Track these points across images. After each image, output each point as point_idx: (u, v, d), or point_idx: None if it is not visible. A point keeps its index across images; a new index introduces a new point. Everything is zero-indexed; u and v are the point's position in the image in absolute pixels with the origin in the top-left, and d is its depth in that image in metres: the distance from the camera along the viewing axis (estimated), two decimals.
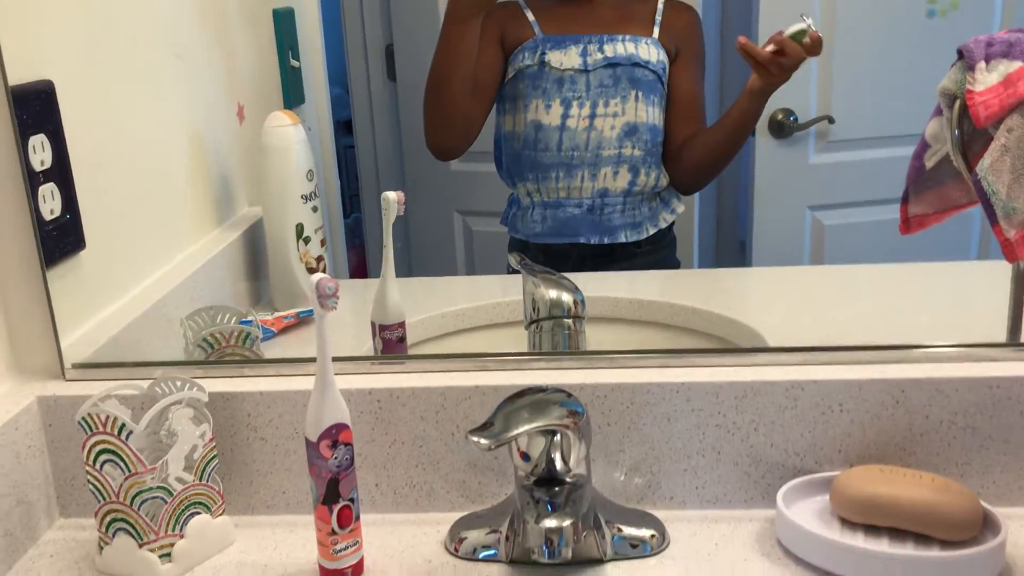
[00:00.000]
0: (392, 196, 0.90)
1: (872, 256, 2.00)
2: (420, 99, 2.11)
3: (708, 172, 1.46)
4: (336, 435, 0.71)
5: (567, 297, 0.91)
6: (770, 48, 1.21)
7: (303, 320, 1.15)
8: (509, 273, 1.49)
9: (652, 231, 1.42)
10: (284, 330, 1.12)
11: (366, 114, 2.26)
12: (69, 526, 0.84)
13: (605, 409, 0.80)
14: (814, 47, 1.19)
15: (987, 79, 0.81)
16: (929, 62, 2.04)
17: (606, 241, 1.38)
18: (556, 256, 1.40)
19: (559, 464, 0.71)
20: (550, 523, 0.67)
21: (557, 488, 0.71)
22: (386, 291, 0.93)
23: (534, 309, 0.92)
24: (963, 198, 0.89)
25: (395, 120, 2.20)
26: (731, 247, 2.35)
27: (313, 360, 0.82)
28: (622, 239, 1.39)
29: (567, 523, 0.67)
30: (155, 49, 1.03)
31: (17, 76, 0.81)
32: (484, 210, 2.15)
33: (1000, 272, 1.07)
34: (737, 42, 1.23)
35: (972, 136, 0.83)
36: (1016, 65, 0.80)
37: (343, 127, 1.89)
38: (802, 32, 1.19)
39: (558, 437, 0.70)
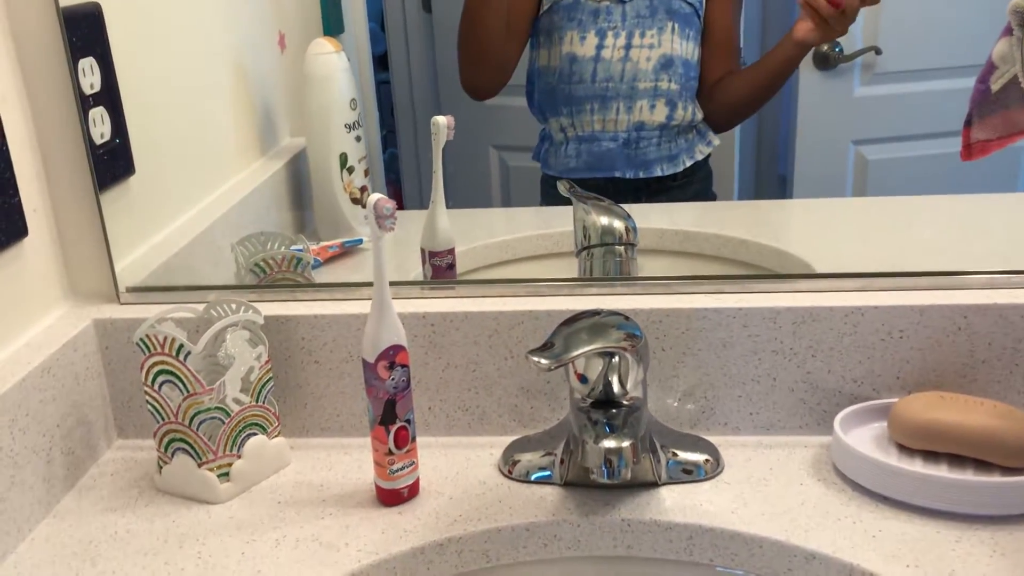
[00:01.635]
0: (442, 120, 0.89)
1: (915, 191, 1.97)
2: (455, 32, 2.08)
3: (743, 112, 1.44)
4: (393, 356, 0.71)
5: (619, 224, 0.90)
6: None
7: (347, 250, 1.15)
8: (546, 205, 1.48)
9: (688, 163, 1.40)
10: (329, 260, 1.12)
11: (402, 48, 2.24)
12: (127, 447, 0.86)
13: (660, 334, 0.80)
14: None
15: None
16: None
17: (642, 175, 1.36)
18: (591, 191, 1.39)
19: (616, 387, 0.70)
20: (609, 443, 0.67)
21: (614, 410, 0.71)
22: (436, 218, 0.92)
23: (585, 236, 0.91)
24: None
25: (431, 54, 2.18)
26: (771, 180, 2.32)
27: (366, 285, 0.83)
28: (658, 172, 1.37)
29: (626, 444, 0.67)
30: None
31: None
32: (520, 145, 2.13)
33: None
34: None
35: None
36: None
37: (378, 62, 1.87)
38: None
39: (616, 359, 0.69)
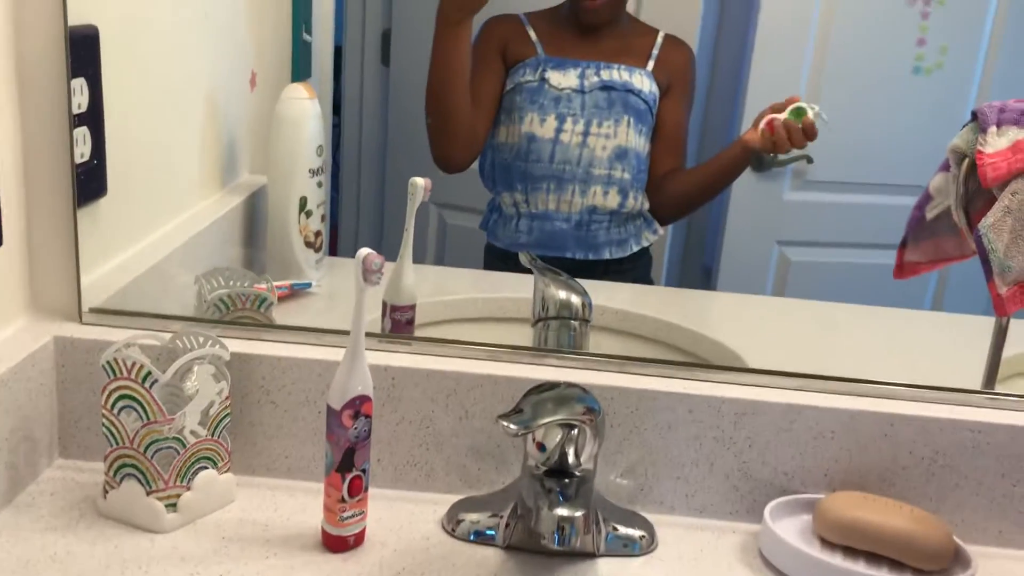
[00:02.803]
0: (420, 182, 0.93)
1: (830, 295, 2.07)
2: (411, 86, 2.11)
3: (688, 208, 1.53)
4: (359, 406, 0.73)
5: (576, 299, 0.94)
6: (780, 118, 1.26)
7: (296, 292, 1.16)
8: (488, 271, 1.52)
9: (635, 249, 1.46)
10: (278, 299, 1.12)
11: (356, 96, 2.27)
12: (68, 467, 0.85)
13: (609, 411, 0.83)
14: (809, 132, 1.26)
15: (997, 143, 0.86)
16: (912, 116, 2.13)
17: (591, 257, 1.42)
18: None
19: (571, 457, 0.74)
20: (563, 512, 0.70)
21: (567, 480, 0.74)
22: (403, 273, 0.95)
23: (543, 307, 0.95)
24: (956, 251, 0.94)
25: (384, 105, 2.22)
26: (696, 271, 2.41)
27: (331, 332, 0.84)
28: (607, 255, 1.43)
29: (579, 513, 0.70)
30: (187, 6, 1.04)
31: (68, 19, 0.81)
32: (461, 205, 2.17)
33: (960, 325, 1.13)
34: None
35: (976, 194, 0.88)
36: None
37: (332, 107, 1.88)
38: (801, 110, 1.26)
39: (575, 431, 0.72)
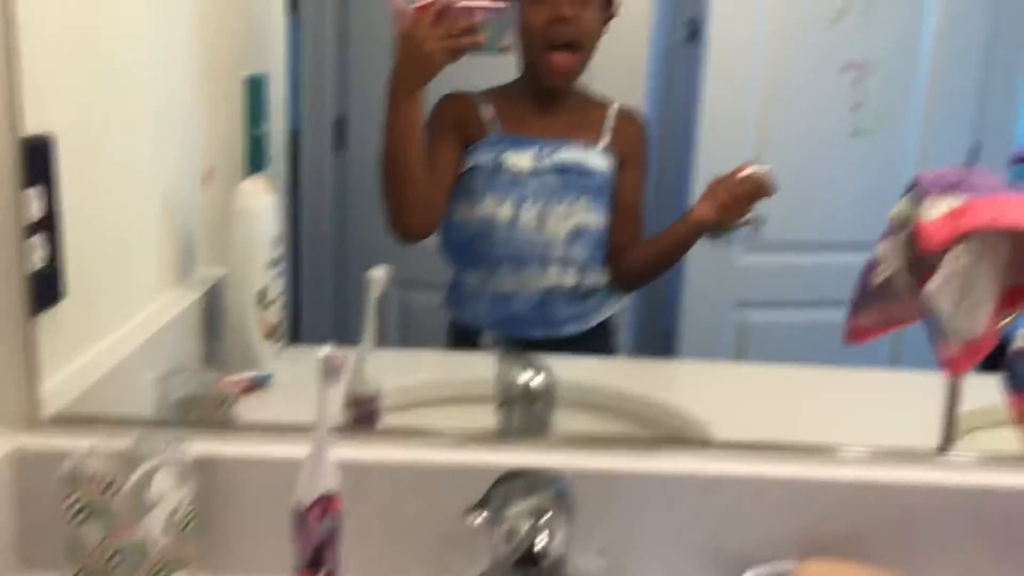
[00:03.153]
0: (378, 274, 0.93)
1: (793, 354, 2.10)
2: (366, 170, 2.14)
3: (646, 279, 1.55)
4: (327, 503, 0.73)
5: (539, 380, 0.95)
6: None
7: (255, 385, 1.15)
8: (452, 348, 1.52)
9: (595, 322, 1.47)
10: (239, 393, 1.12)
11: (313, 181, 2.28)
12: None
13: (578, 493, 0.83)
14: (764, 188, 1.29)
15: (936, 210, 0.89)
16: (854, 175, 2.20)
17: (552, 334, 1.42)
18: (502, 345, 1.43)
19: (540, 545, 0.74)
20: None
21: (536, 568, 0.74)
22: (364, 363, 0.95)
23: (506, 390, 0.95)
24: (905, 314, 0.96)
25: (341, 190, 2.23)
26: (658, 335, 2.43)
27: (294, 428, 0.84)
28: (567, 332, 1.44)
29: None
30: (142, 106, 1.05)
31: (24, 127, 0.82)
32: (423, 282, 2.18)
33: (918, 382, 1.15)
34: (710, 186, 1.31)
35: (919, 260, 0.91)
36: (962, 200, 0.88)
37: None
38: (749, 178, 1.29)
39: (545, 518, 0.73)
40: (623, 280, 1.49)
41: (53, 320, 0.88)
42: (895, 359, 2.13)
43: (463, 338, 1.48)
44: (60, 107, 0.87)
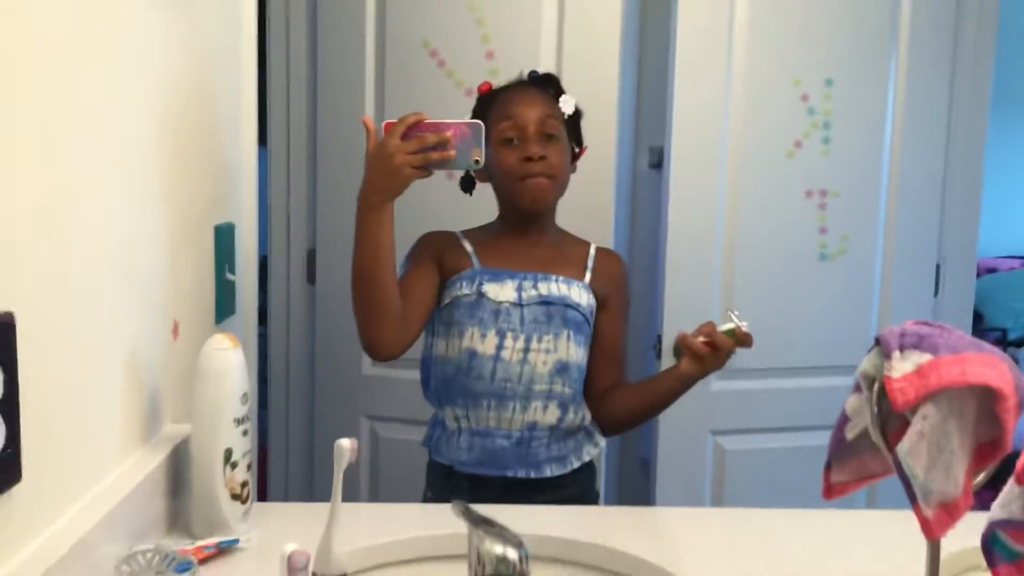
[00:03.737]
0: (345, 444, 0.91)
1: (769, 479, 2.09)
2: (336, 301, 2.15)
3: (630, 424, 1.54)
4: None
5: (513, 554, 0.92)
6: (702, 340, 1.30)
7: (224, 550, 1.12)
8: (431, 490, 1.49)
9: (576, 465, 1.45)
10: (204, 560, 1.09)
11: (283, 313, 2.28)
12: None
13: None
14: (744, 340, 1.30)
15: (902, 367, 0.89)
16: (822, 299, 2.22)
17: (532, 475, 1.40)
18: (481, 485, 1.41)
19: None
20: None
21: None
22: (331, 541, 0.92)
23: (479, 563, 0.92)
24: (880, 468, 0.96)
25: (311, 321, 2.23)
26: (634, 466, 2.42)
27: None
28: (547, 473, 1.41)
29: None
30: (106, 273, 1.04)
31: None
32: (392, 416, 2.17)
33: (896, 522, 1.14)
34: (677, 336, 1.32)
35: (890, 415, 0.91)
36: (927, 357, 0.89)
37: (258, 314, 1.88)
38: (730, 330, 1.31)
39: None
40: (609, 424, 1.48)
41: (8, 504, 0.85)
42: (872, 493, 2.11)
43: (443, 478, 1.46)
44: (21, 285, 0.86)
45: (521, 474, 1.39)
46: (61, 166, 0.93)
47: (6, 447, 0.85)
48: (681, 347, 1.33)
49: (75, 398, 0.98)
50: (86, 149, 0.98)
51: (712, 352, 1.30)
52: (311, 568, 0.68)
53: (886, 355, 0.91)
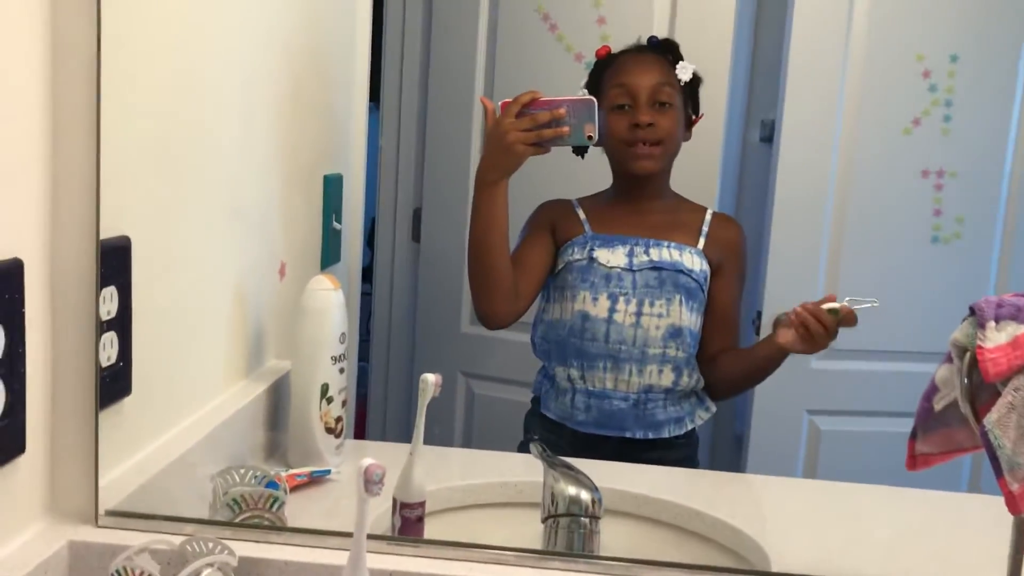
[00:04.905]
0: (431, 379, 0.95)
1: (864, 463, 2.04)
2: (439, 260, 2.19)
3: (737, 389, 1.56)
4: None
5: (586, 495, 0.94)
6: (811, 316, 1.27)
7: (315, 479, 1.17)
8: (527, 439, 1.51)
9: (690, 427, 1.46)
10: (296, 488, 1.13)
11: (387, 269, 2.35)
12: None
13: None
14: (847, 320, 1.27)
15: (996, 338, 0.87)
16: (932, 284, 2.15)
17: (651, 436, 1.41)
18: (595, 444, 1.43)
19: None
20: None
21: None
22: (412, 469, 0.96)
23: (552, 503, 0.95)
24: (968, 442, 0.93)
25: (414, 278, 2.29)
26: (728, 440, 2.39)
27: (338, 534, 0.85)
28: (666, 434, 1.42)
29: None
30: (218, 208, 1.10)
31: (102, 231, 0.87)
32: (489, 375, 2.20)
33: (993, 507, 1.10)
34: (794, 311, 1.29)
35: (980, 387, 0.89)
36: (1023, 329, 0.86)
37: (363, 273, 1.95)
38: (835, 310, 1.28)
39: None
40: (716, 387, 1.48)
41: (118, 415, 0.91)
42: (975, 480, 2.05)
43: (549, 431, 1.48)
44: (138, 210, 0.92)
45: (640, 435, 1.41)
46: (183, 99, 0.98)
47: (119, 361, 0.91)
48: (782, 319, 1.31)
49: (184, 324, 1.04)
50: (208, 86, 1.03)
51: (819, 329, 1.26)
52: (386, 484, 0.71)
53: (980, 325, 0.88)
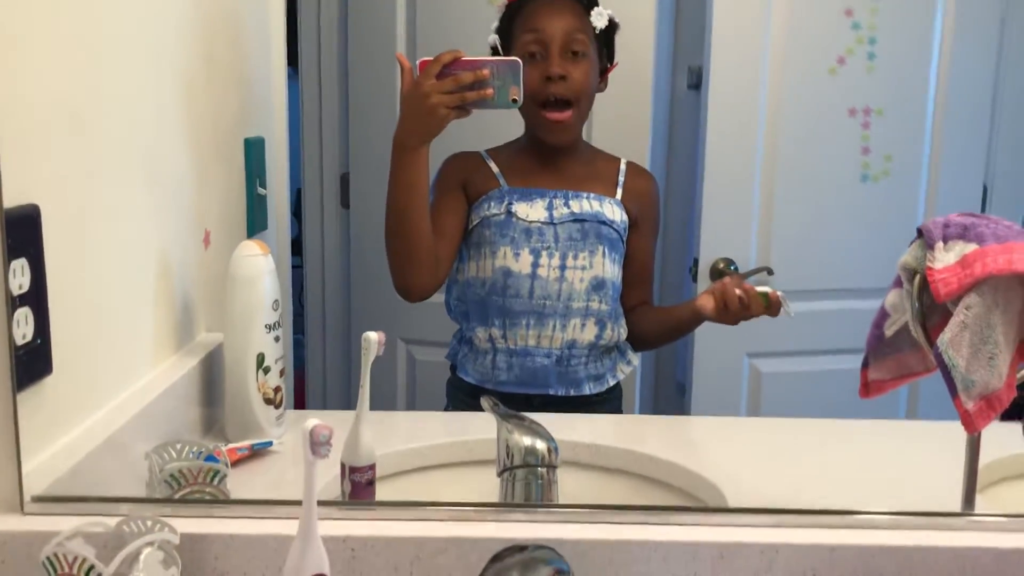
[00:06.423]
0: (373, 336, 0.90)
1: (806, 403, 2.07)
2: (370, 226, 2.14)
3: (654, 344, 1.61)
4: None
5: (541, 445, 0.92)
6: (738, 293, 1.27)
7: (256, 452, 1.13)
8: (453, 407, 1.48)
9: (612, 383, 1.44)
10: (237, 462, 1.09)
11: (317, 239, 2.28)
12: None
13: (581, 566, 0.80)
14: (772, 309, 1.28)
15: (945, 258, 0.86)
16: (863, 221, 2.17)
17: (572, 393, 1.39)
18: (515, 403, 1.40)
19: None
20: None
21: None
22: (359, 432, 0.92)
23: (508, 455, 0.92)
24: (920, 365, 0.93)
25: (345, 246, 2.23)
26: (670, 388, 2.40)
27: (285, 503, 0.81)
28: (586, 391, 1.40)
29: None
30: (134, 175, 1.04)
31: (6, 199, 0.80)
32: (429, 339, 2.16)
33: (935, 433, 1.11)
34: (722, 282, 1.29)
35: (931, 309, 0.88)
36: (971, 247, 0.85)
37: (292, 246, 1.89)
38: (764, 295, 1.28)
39: None
40: (634, 339, 1.47)
41: (39, 396, 0.85)
42: (912, 404, 2.09)
43: (470, 396, 1.44)
44: (47, 178, 0.86)
45: (561, 392, 1.38)
46: (87, 62, 0.92)
47: (36, 338, 0.85)
48: (715, 282, 1.31)
49: (106, 297, 0.98)
50: (113, 48, 0.97)
51: (739, 307, 1.28)
52: (333, 447, 0.68)
53: (929, 246, 0.88)
